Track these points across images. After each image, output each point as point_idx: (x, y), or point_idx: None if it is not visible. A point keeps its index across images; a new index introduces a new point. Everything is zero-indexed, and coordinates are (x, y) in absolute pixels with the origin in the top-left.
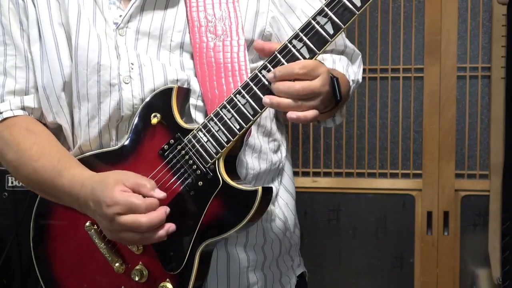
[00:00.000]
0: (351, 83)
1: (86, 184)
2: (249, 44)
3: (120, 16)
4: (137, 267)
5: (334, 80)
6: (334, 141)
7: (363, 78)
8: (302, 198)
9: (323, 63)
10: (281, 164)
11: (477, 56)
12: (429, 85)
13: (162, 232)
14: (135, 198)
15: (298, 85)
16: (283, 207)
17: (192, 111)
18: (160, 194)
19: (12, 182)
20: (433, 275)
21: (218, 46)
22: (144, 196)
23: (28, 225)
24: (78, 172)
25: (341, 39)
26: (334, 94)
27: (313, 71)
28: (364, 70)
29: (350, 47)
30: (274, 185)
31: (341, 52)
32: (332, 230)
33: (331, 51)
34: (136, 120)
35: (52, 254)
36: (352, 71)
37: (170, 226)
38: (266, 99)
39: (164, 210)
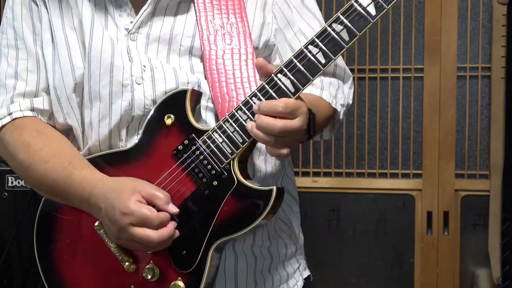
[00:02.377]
0: (339, 108)
1: (98, 186)
2: (253, 51)
3: (131, 22)
4: (148, 266)
5: (310, 116)
6: (334, 141)
7: (363, 78)
8: (302, 198)
9: (304, 101)
10: (284, 169)
11: (477, 56)
12: (429, 85)
13: (167, 244)
14: (150, 211)
15: (279, 124)
16: (287, 210)
17: (202, 112)
18: (174, 209)
19: (12, 182)
20: (433, 275)
21: (228, 53)
22: (158, 209)
23: (28, 225)
24: (90, 173)
25: None
26: (308, 129)
27: (295, 112)
28: (364, 70)
29: (340, 67)
30: None
31: (332, 74)
32: (332, 230)
33: (323, 73)
34: (148, 120)
35: (57, 254)
36: (341, 95)
37: (175, 234)
38: (249, 125)
39: (173, 226)
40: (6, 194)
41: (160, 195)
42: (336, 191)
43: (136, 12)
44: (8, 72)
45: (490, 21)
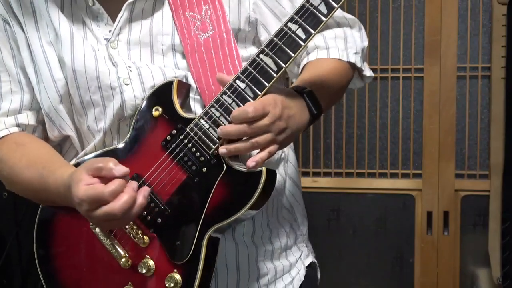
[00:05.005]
0: (353, 58)
1: (67, 182)
2: (237, 33)
3: (110, 31)
4: (144, 260)
5: (305, 96)
6: (334, 141)
7: None
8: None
9: (273, 94)
10: (283, 154)
11: (477, 56)
12: (429, 85)
13: (139, 204)
14: (95, 190)
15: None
16: (289, 197)
17: (191, 104)
18: (121, 170)
19: None
20: (433, 275)
21: (207, 42)
22: (106, 180)
23: (28, 225)
24: (60, 174)
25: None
26: (309, 109)
27: (264, 111)
28: None
29: (341, 17)
30: (280, 174)
31: (336, 25)
32: (332, 230)
33: (326, 27)
34: (137, 116)
35: (57, 257)
36: (352, 43)
37: (145, 191)
38: (223, 149)
39: (132, 187)
40: (6, 194)
41: (101, 164)
42: (336, 191)
43: (113, 21)
44: None
45: (490, 21)
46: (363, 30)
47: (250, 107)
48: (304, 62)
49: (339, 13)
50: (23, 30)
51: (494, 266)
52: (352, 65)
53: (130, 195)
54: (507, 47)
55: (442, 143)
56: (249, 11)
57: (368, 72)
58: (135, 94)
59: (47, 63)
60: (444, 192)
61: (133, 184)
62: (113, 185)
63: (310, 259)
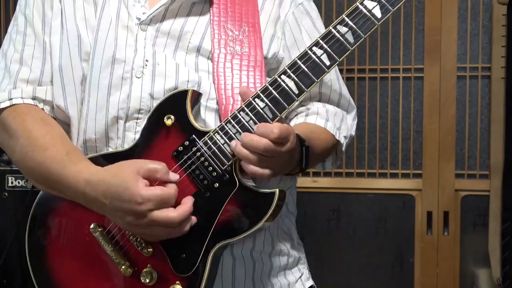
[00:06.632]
0: (342, 140)
1: (93, 183)
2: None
3: (144, 13)
4: (146, 269)
5: (303, 149)
6: None
7: (363, 78)
8: (302, 198)
9: (292, 128)
10: (291, 182)
11: (477, 56)
12: (429, 85)
13: (187, 227)
14: (162, 190)
15: (263, 141)
16: (287, 222)
17: (202, 111)
18: (175, 176)
19: (12, 182)
20: (433, 275)
21: (237, 58)
22: (160, 182)
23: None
24: (84, 167)
25: (337, 83)
26: (300, 162)
27: (285, 139)
28: (364, 70)
29: (345, 97)
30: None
31: (337, 103)
32: (332, 230)
33: (328, 101)
34: (147, 121)
35: (51, 258)
36: (345, 127)
37: (193, 220)
38: (233, 143)
39: (191, 202)
40: (6, 194)
41: (157, 166)
42: (336, 191)
43: (150, 5)
44: (13, 57)
45: (490, 21)
46: (356, 120)
47: (276, 129)
48: (300, 120)
49: (346, 93)
50: (60, 1)
51: (494, 266)
52: (335, 145)
53: (189, 208)
54: (507, 47)
55: (442, 143)
56: (279, 48)
57: (339, 159)
58: (143, 88)
59: (79, 38)
60: (444, 192)
61: (191, 199)
62: (174, 190)
63: (311, 282)
